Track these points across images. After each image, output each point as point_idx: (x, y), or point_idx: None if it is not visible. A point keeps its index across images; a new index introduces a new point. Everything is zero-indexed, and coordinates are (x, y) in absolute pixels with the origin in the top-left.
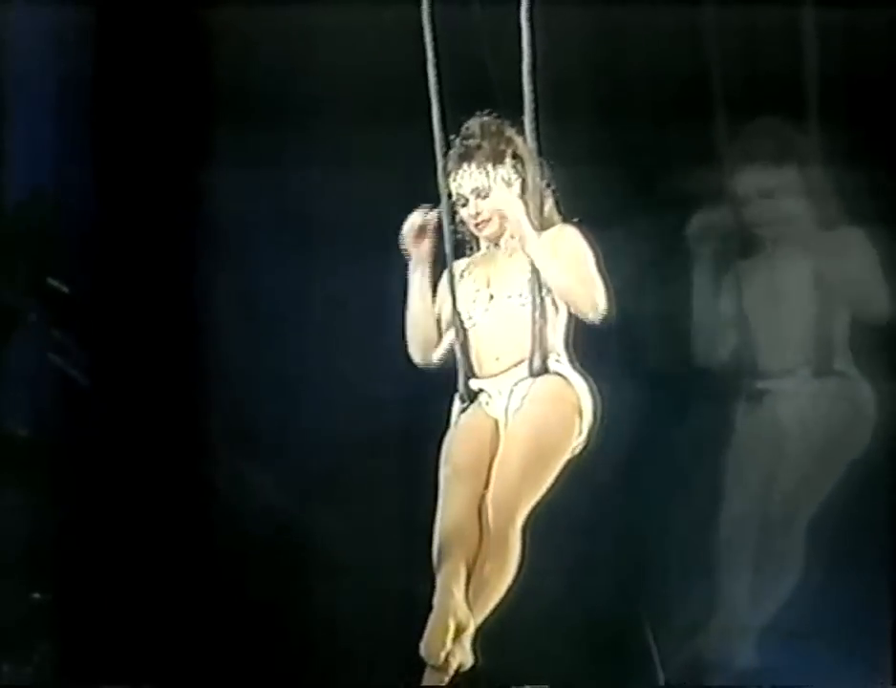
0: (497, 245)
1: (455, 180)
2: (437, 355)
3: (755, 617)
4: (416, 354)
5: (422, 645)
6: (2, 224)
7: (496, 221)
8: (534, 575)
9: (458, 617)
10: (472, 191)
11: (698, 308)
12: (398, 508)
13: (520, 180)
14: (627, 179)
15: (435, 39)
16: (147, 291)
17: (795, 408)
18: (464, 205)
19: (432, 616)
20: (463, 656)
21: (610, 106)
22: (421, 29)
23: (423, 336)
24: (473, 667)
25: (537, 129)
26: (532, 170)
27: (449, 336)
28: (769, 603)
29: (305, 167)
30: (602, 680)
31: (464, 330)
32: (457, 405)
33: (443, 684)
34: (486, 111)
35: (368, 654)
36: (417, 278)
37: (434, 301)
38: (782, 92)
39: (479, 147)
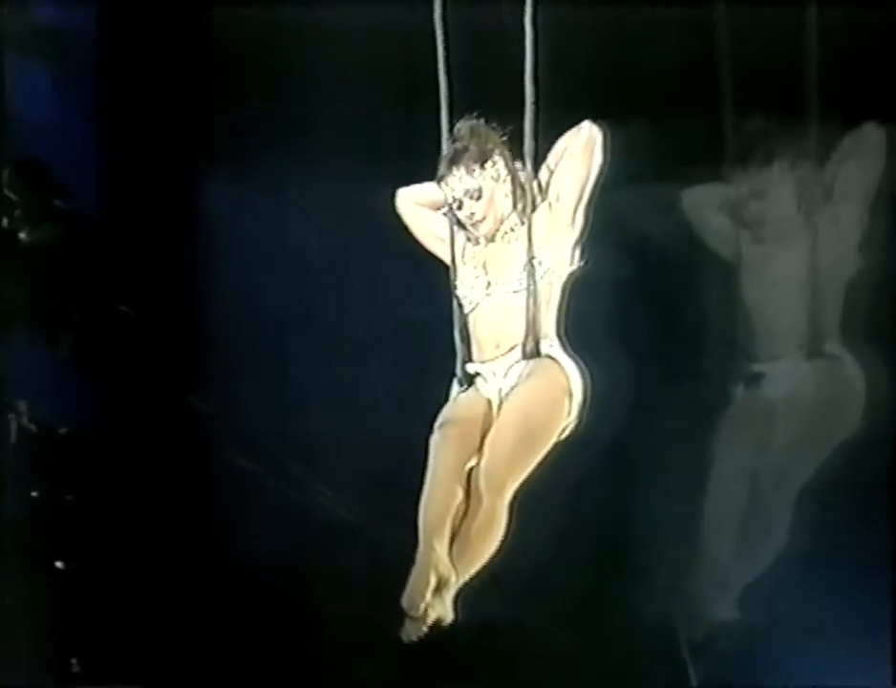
0: (493, 240)
1: (447, 185)
2: (416, 204)
3: (739, 577)
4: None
5: (403, 596)
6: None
7: (490, 218)
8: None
9: (439, 571)
10: (464, 193)
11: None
12: None
13: (509, 176)
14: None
15: (446, 37)
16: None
17: (786, 388)
18: (459, 208)
19: (414, 569)
20: (443, 610)
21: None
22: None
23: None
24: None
25: (536, 131)
26: (521, 169)
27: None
28: (753, 568)
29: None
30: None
31: (464, 314)
32: (455, 389)
33: (421, 634)
34: (475, 114)
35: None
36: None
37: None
38: (780, 91)
39: (465, 150)
